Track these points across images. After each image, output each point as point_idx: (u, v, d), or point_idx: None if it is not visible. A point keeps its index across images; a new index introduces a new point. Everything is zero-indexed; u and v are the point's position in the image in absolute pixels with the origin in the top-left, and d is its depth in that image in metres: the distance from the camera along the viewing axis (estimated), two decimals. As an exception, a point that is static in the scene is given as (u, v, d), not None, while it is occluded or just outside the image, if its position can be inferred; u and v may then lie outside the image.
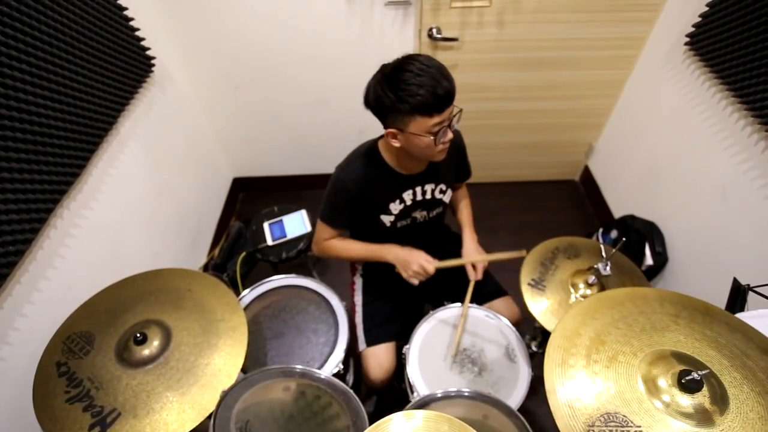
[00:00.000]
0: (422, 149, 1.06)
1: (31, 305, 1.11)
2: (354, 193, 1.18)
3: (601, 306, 0.90)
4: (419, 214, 1.29)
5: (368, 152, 1.20)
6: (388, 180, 1.20)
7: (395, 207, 1.23)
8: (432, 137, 1.02)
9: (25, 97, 1.07)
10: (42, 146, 1.12)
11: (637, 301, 0.90)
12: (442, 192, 1.28)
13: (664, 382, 0.75)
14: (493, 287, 1.41)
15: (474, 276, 1.29)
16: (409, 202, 1.24)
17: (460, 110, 1.05)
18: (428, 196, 1.26)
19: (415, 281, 1.19)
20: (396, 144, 1.08)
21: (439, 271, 1.19)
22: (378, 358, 1.30)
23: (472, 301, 1.29)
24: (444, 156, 1.12)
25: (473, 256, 1.33)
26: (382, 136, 1.19)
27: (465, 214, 1.44)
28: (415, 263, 1.16)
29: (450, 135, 1.06)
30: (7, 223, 1.00)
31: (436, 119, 0.99)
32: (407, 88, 0.96)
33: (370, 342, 1.32)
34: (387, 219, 1.25)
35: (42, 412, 0.90)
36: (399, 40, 1.87)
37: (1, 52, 1.01)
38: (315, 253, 1.34)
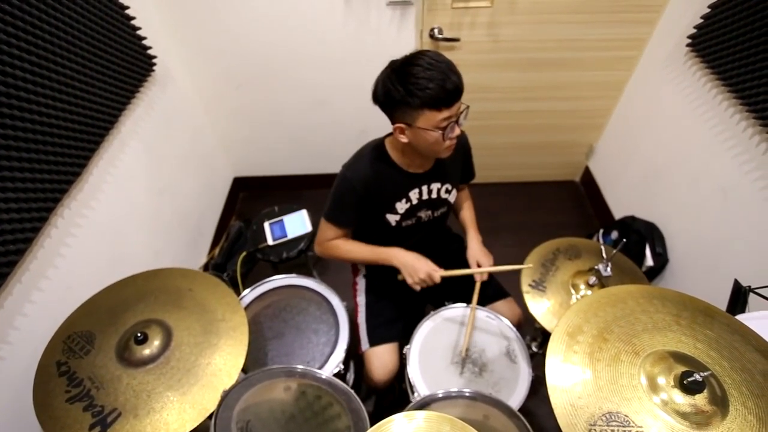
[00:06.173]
0: (430, 145, 1.07)
1: (31, 304, 1.11)
2: (361, 192, 1.18)
3: (603, 303, 0.90)
4: (424, 214, 1.29)
5: (375, 150, 1.20)
6: (395, 178, 1.20)
7: (401, 206, 1.23)
8: (440, 132, 1.02)
9: (27, 96, 1.07)
10: (43, 145, 1.12)
11: (639, 299, 0.90)
12: (448, 192, 1.28)
13: (666, 382, 0.75)
14: (494, 289, 1.41)
15: (479, 278, 1.30)
16: (415, 201, 1.24)
17: (467, 107, 1.05)
18: (434, 195, 1.26)
19: (418, 288, 1.19)
20: (404, 139, 1.08)
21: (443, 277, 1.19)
22: (382, 359, 1.29)
23: (473, 302, 1.29)
24: (451, 153, 1.13)
25: (479, 260, 1.32)
26: (388, 135, 1.20)
27: (468, 215, 1.44)
28: (422, 272, 1.16)
29: (457, 131, 1.06)
30: (8, 221, 1.00)
31: (444, 114, 1.00)
32: (417, 82, 0.96)
33: (374, 342, 1.31)
34: (393, 218, 1.25)
35: (42, 411, 0.90)
36: (400, 41, 1.87)
37: (2, 51, 1.01)
38: (317, 253, 1.34)
